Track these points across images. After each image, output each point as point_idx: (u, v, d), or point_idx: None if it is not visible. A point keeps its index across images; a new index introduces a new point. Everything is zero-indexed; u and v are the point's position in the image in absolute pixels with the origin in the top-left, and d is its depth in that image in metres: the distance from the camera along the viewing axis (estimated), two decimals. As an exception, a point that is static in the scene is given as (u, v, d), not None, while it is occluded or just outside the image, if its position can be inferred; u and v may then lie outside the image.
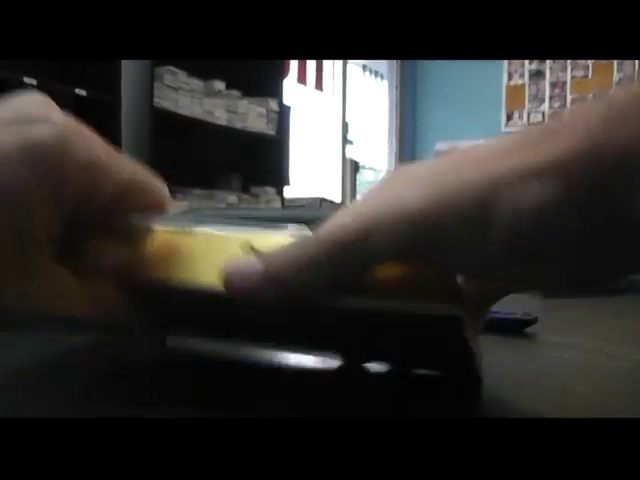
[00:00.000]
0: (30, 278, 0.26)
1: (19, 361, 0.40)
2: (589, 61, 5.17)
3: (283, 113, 3.84)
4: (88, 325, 0.30)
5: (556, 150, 0.22)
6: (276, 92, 3.79)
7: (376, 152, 5.91)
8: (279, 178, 3.79)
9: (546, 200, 0.22)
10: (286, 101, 3.88)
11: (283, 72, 3.97)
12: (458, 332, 0.27)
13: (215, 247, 0.30)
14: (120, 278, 0.29)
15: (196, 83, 3.23)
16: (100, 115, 2.65)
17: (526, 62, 5.44)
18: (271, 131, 3.75)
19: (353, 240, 0.24)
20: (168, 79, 3.03)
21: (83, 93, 2.51)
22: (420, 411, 0.30)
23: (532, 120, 5.41)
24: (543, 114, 5.39)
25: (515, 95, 5.48)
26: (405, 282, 0.27)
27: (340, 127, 5.16)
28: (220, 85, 3.41)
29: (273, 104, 3.75)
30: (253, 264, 0.26)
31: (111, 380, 0.37)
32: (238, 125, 3.51)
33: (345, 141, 5.19)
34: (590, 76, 5.23)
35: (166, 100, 3.01)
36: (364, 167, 5.64)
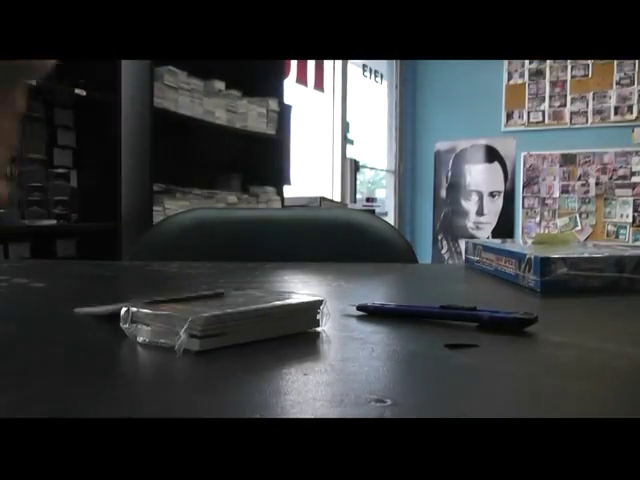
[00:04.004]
0: None
1: (19, 361, 0.40)
2: (589, 61, 5.17)
3: (283, 113, 3.83)
4: None
5: None
6: (276, 92, 3.79)
7: (376, 152, 5.91)
8: (279, 178, 3.79)
9: None
10: (286, 101, 3.87)
11: (283, 72, 3.96)
12: None
13: None
14: None
15: (196, 83, 3.23)
16: (100, 115, 2.65)
17: (526, 62, 5.43)
18: (271, 131, 3.75)
19: None
20: (168, 79, 3.02)
21: (83, 93, 2.51)
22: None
23: (532, 119, 5.41)
24: (543, 113, 5.39)
25: (515, 94, 5.47)
26: None
27: (340, 127, 5.15)
28: (220, 85, 3.40)
29: (273, 104, 3.74)
30: None
31: (110, 380, 0.37)
32: (238, 125, 3.51)
33: (345, 141, 5.19)
34: (590, 76, 5.23)
35: (166, 100, 3.01)
36: (364, 167, 5.64)
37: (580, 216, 5.26)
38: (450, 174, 5.65)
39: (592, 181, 5.19)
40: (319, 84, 4.94)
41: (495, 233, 5.42)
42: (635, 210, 5.07)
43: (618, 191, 5.11)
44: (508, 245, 0.88)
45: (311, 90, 4.86)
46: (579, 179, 5.24)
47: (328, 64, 5.03)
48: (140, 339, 0.42)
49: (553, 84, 5.38)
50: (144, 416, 0.28)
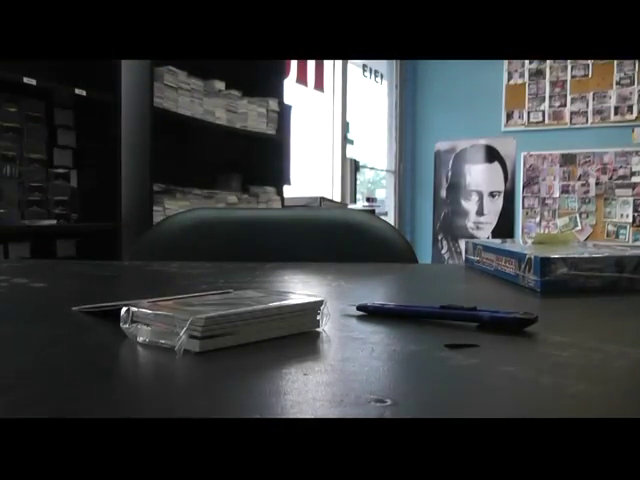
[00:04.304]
0: None
1: (19, 361, 0.40)
2: (589, 61, 5.17)
3: (283, 113, 3.84)
4: None
5: None
6: (276, 92, 3.79)
7: (376, 152, 5.91)
8: (279, 178, 3.79)
9: None
10: (286, 101, 3.88)
11: (283, 72, 3.96)
12: None
13: None
14: None
15: (196, 83, 3.23)
16: (100, 115, 2.65)
17: (526, 62, 5.43)
18: (271, 131, 3.75)
19: None
20: (168, 79, 3.02)
21: (83, 93, 2.51)
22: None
23: (532, 119, 5.41)
24: (543, 113, 5.39)
25: (515, 94, 5.47)
26: None
27: (340, 127, 5.15)
28: (220, 85, 3.41)
29: (273, 104, 3.75)
30: None
31: (110, 380, 0.37)
32: (238, 125, 3.51)
33: (345, 141, 5.19)
34: (590, 76, 5.23)
35: (166, 100, 3.01)
36: (364, 167, 5.64)
37: (580, 216, 5.26)
38: (450, 174, 5.65)
39: (592, 181, 5.19)
40: (319, 84, 4.94)
41: (495, 233, 5.42)
42: (635, 210, 5.07)
43: (618, 191, 5.11)
44: (508, 245, 0.88)
45: (311, 90, 4.86)
46: (579, 179, 5.24)
47: (328, 64, 5.03)
48: (140, 339, 0.42)
49: (553, 84, 5.37)
50: (144, 416, 0.28)
